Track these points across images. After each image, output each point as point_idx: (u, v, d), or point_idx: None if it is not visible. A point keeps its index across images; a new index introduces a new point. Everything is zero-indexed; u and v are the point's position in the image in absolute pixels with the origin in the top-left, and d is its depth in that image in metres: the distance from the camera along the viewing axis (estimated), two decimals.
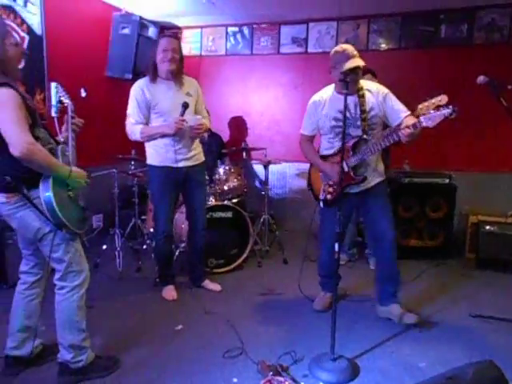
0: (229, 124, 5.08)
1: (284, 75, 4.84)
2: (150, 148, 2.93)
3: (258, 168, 4.89)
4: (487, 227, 3.73)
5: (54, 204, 1.79)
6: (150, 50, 2.92)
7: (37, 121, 1.88)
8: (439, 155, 4.29)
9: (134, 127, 2.84)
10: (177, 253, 3.44)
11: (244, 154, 4.05)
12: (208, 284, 3.20)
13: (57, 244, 1.89)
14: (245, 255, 3.58)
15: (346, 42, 4.54)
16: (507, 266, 3.60)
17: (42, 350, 2.17)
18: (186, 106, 2.76)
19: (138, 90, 2.85)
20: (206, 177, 3.40)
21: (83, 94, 4.21)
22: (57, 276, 1.97)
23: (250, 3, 4.21)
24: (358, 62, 2.42)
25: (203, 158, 3.10)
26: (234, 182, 3.74)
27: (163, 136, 2.82)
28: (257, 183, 4.98)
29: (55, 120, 3.68)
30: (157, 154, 2.89)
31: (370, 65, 3.73)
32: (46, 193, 1.79)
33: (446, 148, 4.26)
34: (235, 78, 5.02)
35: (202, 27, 5.06)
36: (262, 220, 3.97)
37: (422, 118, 2.21)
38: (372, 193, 2.63)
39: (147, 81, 2.87)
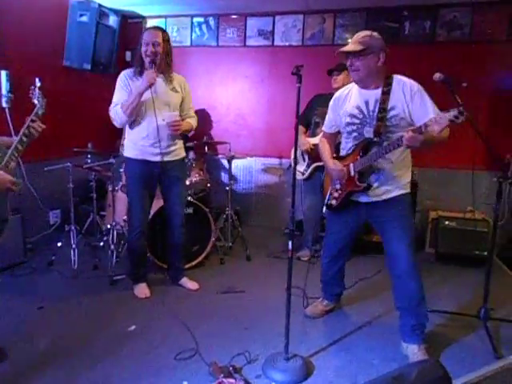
0: None
1: (250, 68, 4.76)
2: (128, 140, 2.87)
3: (224, 162, 4.81)
4: (446, 222, 3.81)
5: None
6: (138, 42, 2.77)
7: None
8: None
9: (115, 109, 2.75)
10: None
11: (206, 148, 3.97)
12: (185, 282, 3.14)
13: None
14: (206, 252, 3.50)
15: (313, 36, 4.52)
16: (465, 260, 3.68)
17: None
18: (154, 61, 2.68)
19: (124, 80, 2.78)
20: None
21: (38, 84, 4.02)
22: None
23: None
24: (346, 47, 2.18)
25: (183, 154, 3.04)
26: (195, 177, 3.66)
27: (141, 98, 2.68)
28: (223, 178, 4.90)
29: (6, 111, 3.54)
30: (134, 146, 2.82)
31: (337, 60, 3.72)
32: None
33: None
34: (200, 69, 4.90)
35: (166, 17, 4.90)
36: (224, 216, 3.90)
37: (428, 121, 1.89)
38: (387, 207, 2.25)
39: (133, 72, 2.80)
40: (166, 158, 2.84)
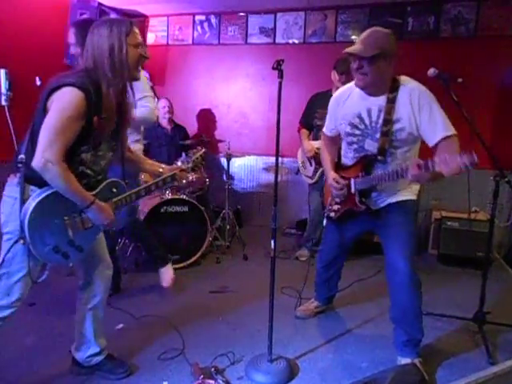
0: (197, 116, 4.96)
1: (252, 66, 4.72)
2: None
3: (224, 161, 4.79)
4: (449, 223, 3.70)
5: (28, 214, 1.54)
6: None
7: (93, 141, 1.64)
8: None
9: None
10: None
11: (202, 146, 3.93)
12: (162, 273, 2.95)
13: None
14: (202, 251, 3.48)
15: (314, 33, 4.45)
16: (468, 262, 3.57)
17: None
18: None
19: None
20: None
21: (38, 83, 4.04)
22: None
23: None
24: (350, 48, 1.88)
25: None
26: (192, 176, 3.63)
27: None
28: (223, 177, 4.87)
29: (6, 109, 3.57)
30: None
31: (338, 56, 3.63)
32: (35, 198, 1.56)
33: None
34: (202, 68, 4.89)
35: (168, 15, 4.91)
36: (221, 215, 3.87)
37: (437, 159, 1.63)
38: (387, 212, 2.11)
39: None
40: None
